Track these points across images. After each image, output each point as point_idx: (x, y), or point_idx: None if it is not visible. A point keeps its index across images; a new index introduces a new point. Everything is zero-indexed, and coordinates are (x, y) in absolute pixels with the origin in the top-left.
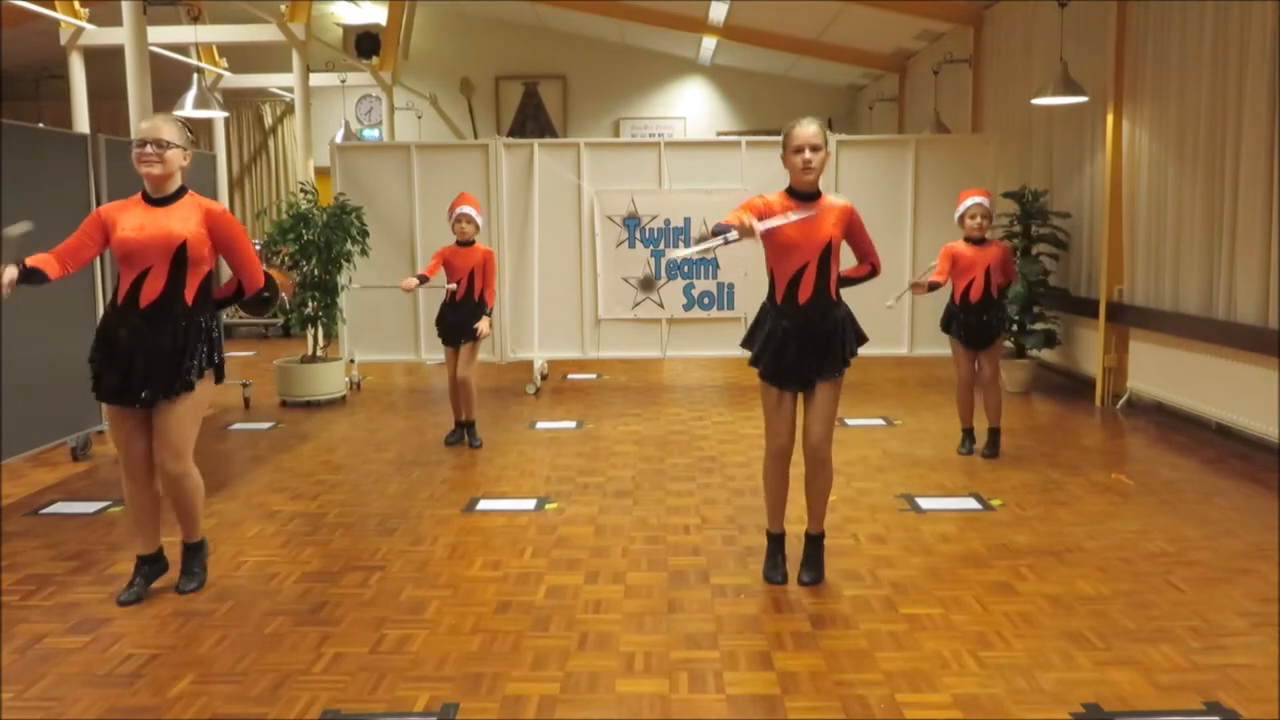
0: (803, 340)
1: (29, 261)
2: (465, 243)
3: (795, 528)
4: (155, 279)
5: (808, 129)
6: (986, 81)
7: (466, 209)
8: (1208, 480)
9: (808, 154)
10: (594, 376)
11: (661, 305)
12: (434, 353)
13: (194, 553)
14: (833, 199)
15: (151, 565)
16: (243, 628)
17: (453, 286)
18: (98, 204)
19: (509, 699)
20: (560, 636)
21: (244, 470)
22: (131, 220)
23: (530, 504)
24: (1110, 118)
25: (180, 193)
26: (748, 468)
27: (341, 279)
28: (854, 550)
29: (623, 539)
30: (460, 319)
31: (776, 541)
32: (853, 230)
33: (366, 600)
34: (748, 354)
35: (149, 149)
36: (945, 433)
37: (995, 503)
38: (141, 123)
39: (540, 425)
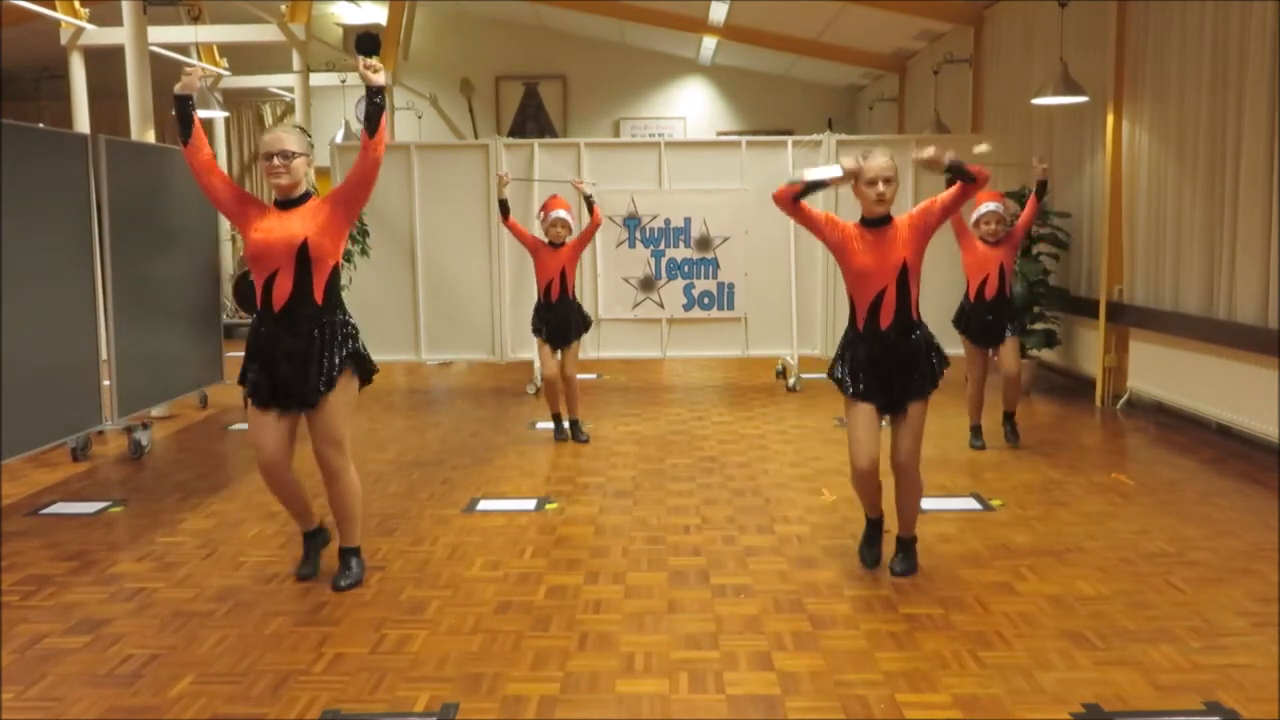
0: (889, 363)
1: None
2: (557, 244)
3: (796, 528)
4: (284, 280)
5: (879, 160)
6: (986, 81)
7: (562, 213)
8: (1208, 480)
9: (880, 186)
10: (594, 376)
11: (661, 305)
12: (434, 353)
13: (351, 554)
14: (899, 218)
15: (313, 538)
16: (243, 628)
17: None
18: (98, 205)
19: (509, 699)
20: (560, 636)
21: (244, 470)
22: (263, 223)
23: (530, 504)
24: (1110, 118)
25: (305, 197)
26: (748, 468)
27: (342, 279)
28: (854, 550)
29: (623, 539)
30: (564, 319)
31: (873, 524)
32: (929, 218)
33: (366, 600)
34: (746, 354)
35: (276, 161)
36: (946, 432)
37: (995, 503)
38: (265, 135)
39: (540, 425)
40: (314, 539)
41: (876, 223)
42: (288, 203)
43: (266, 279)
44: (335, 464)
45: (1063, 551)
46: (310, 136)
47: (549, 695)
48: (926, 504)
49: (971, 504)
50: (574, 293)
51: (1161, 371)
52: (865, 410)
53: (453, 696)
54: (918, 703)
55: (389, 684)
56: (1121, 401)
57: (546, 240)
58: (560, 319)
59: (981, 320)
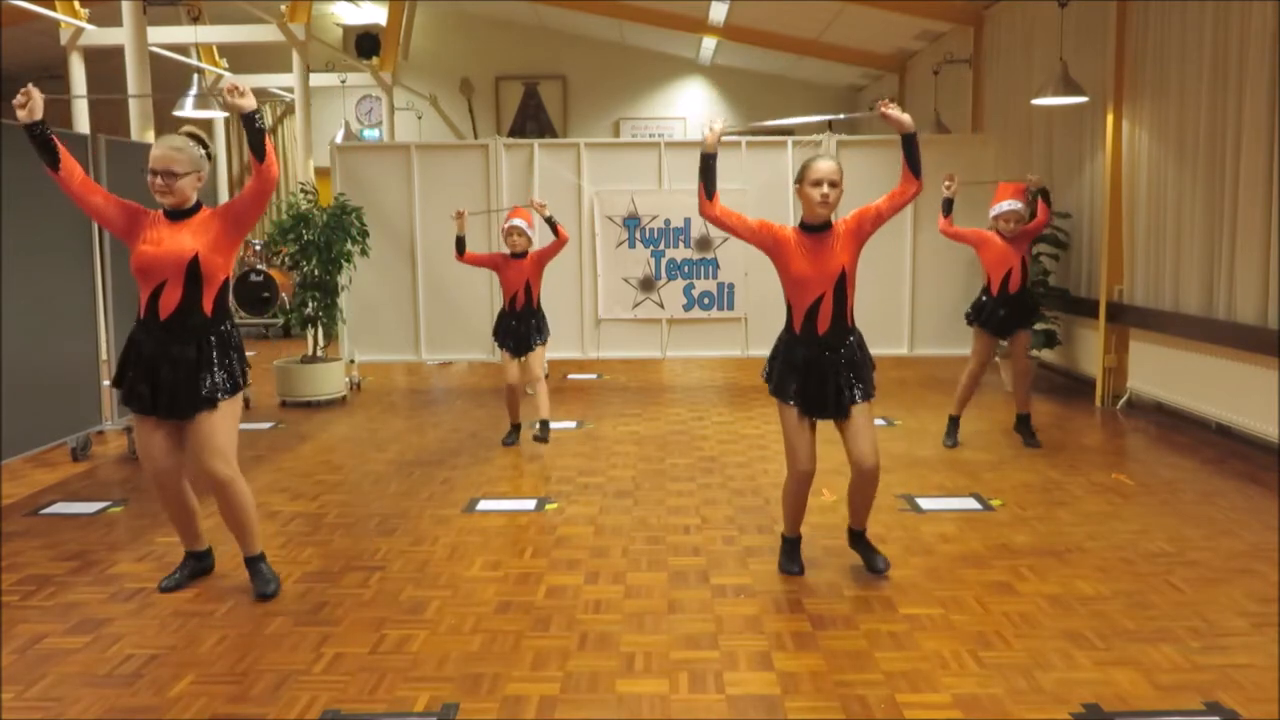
0: (824, 369)
1: (57, 140)
2: (518, 254)
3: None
4: (171, 292)
5: (828, 164)
6: (986, 81)
7: (517, 221)
8: (1208, 480)
9: (825, 189)
10: (594, 376)
11: (661, 305)
12: (434, 353)
13: (257, 563)
14: (837, 223)
15: (199, 560)
16: (243, 628)
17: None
18: None
19: (509, 699)
20: (560, 636)
21: (244, 470)
22: (152, 234)
23: (530, 504)
24: (1110, 118)
25: (195, 209)
26: (747, 468)
27: (341, 279)
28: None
29: (623, 539)
30: (525, 327)
31: (794, 543)
32: (864, 221)
33: (366, 600)
34: (746, 354)
35: (160, 181)
36: (943, 432)
37: (995, 503)
38: (154, 149)
39: None
40: (198, 560)
41: (817, 229)
42: (177, 214)
43: (153, 290)
44: (222, 474)
45: (1063, 551)
46: (207, 147)
47: (549, 695)
48: (927, 504)
49: (971, 504)
50: (539, 303)
51: (1161, 371)
52: (797, 415)
53: (453, 696)
54: (918, 703)
55: (389, 684)
56: (1121, 401)
57: (508, 252)
58: (522, 327)
59: (1002, 314)
